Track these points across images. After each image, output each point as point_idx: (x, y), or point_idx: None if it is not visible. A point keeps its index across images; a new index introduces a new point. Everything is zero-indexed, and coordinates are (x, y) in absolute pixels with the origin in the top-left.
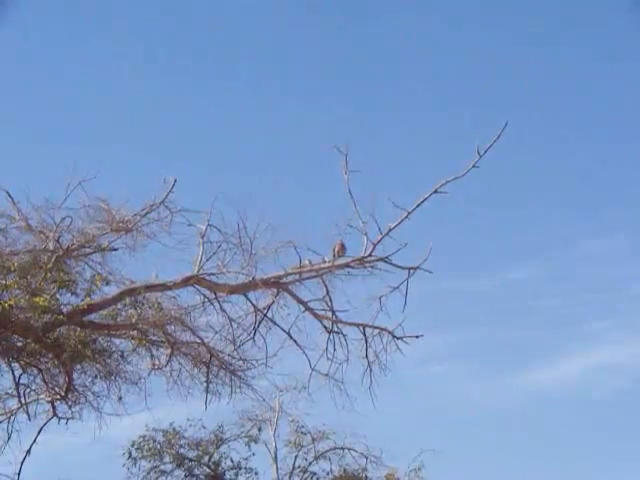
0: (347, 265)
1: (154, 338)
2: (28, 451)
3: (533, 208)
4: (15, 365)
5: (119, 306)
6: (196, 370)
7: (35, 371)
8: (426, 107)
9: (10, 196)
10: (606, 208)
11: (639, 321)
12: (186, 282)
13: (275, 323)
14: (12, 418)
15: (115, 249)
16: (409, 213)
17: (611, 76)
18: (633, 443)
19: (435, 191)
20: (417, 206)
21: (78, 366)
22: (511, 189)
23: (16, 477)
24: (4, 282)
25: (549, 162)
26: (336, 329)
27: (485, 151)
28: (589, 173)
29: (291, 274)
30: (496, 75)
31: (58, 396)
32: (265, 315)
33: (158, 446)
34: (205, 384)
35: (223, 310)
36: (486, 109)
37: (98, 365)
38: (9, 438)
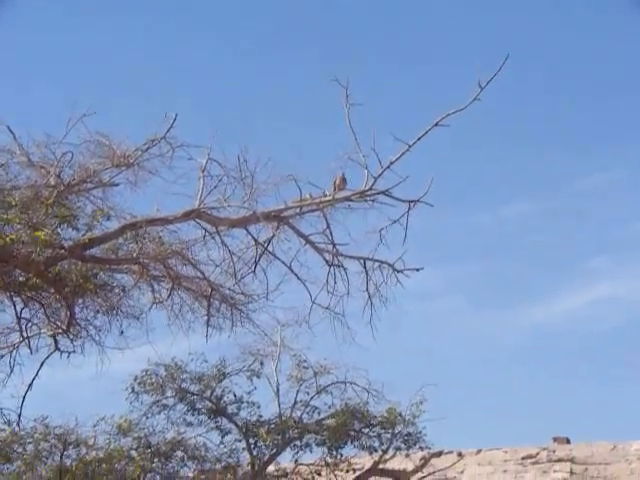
0: (348, 199)
1: (155, 272)
2: (30, 385)
3: (533, 143)
4: (17, 299)
5: (120, 240)
6: (197, 304)
7: (37, 305)
8: (427, 41)
9: (11, 131)
10: (606, 143)
11: (639, 256)
12: (187, 216)
13: (276, 257)
14: (14, 352)
15: (116, 184)
16: (410, 146)
17: (613, 11)
18: (634, 374)
19: (436, 124)
20: (418, 139)
21: (80, 300)
22: (512, 124)
23: (18, 411)
24: (5, 217)
25: (549, 97)
26: (337, 262)
27: (486, 84)
28: (589, 108)
29: (292, 208)
30: (498, 8)
31: (60, 330)
32: (266, 249)
33: (160, 380)
34: (206, 318)
35: (224, 244)
36: (487, 43)
37: (99, 299)
38: (11, 372)
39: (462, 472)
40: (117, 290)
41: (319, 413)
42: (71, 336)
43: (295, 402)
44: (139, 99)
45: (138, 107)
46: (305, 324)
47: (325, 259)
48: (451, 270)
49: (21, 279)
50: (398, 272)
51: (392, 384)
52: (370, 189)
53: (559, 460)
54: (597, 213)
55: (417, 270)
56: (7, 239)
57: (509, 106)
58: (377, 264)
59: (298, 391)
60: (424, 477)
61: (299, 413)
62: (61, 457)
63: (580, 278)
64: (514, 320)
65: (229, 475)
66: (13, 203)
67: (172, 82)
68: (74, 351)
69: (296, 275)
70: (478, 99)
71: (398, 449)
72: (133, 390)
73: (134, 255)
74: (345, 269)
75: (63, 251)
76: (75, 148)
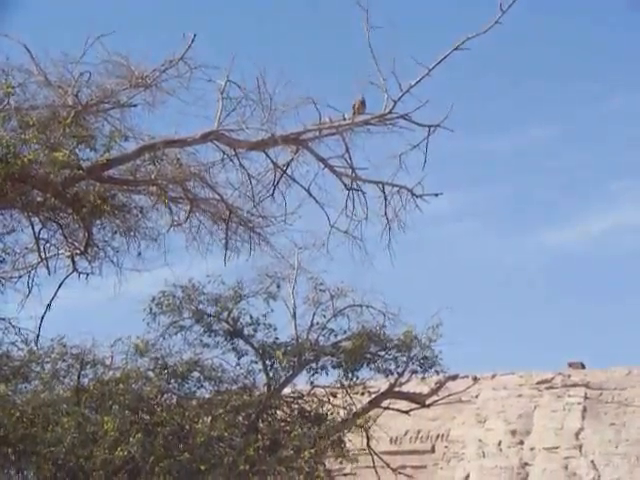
0: (367, 122)
1: (173, 194)
2: (48, 306)
3: (553, 68)
4: (35, 220)
5: (138, 162)
6: (215, 227)
7: (55, 226)
8: None
9: (28, 50)
10: (631, 65)
11: None
12: (205, 138)
13: (294, 180)
14: (32, 273)
15: (134, 105)
16: (430, 70)
17: None
18: None
19: (456, 48)
20: (438, 63)
21: (97, 221)
22: (532, 49)
23: (37, 331)
24: (23, 137)
25: (569, 23)
26: (355, 187)
27: (508, 7)
28: (609, 32)
29: (311, 131)
30: None
31: (78, 251)
32: (284, 172)
33: (177, 302)
34: (224, 241)
35: (242, 167)
36: None
37: (117, 221)
38: (29, 292)
39: (477, 396)
40: (135, 212)
41: (335, 336)
42: (89, 257)
43: (311, 325)
44: (158, 20)
45: (156, 28)
46: (323, 247)
47: (344, 183)
48: (470, 195)
49: (39, 199)
50: (417, 197)
51: (409, 308)
52: (390, 113)
53: (574, 385)
54: (618, 137)
55: (436, 195)
56: (25, 159)
57: (529, 31)
58: (396, 189)
59: (314, 314)
60: (439, 400)
61: (315, 336)
62: (78, 377)
63: (600, 202)
64: (531, 244)
65: (245, 396)
66: (31, 123)
67: (190, 3)
68: (92, 272)
69: (314, 199)
70: (499, 22)
71: (414, 372)
72: (150, 311)
73: (152, 177)
74: (364, 193)
75: (81, 172)
76: (93, 68)
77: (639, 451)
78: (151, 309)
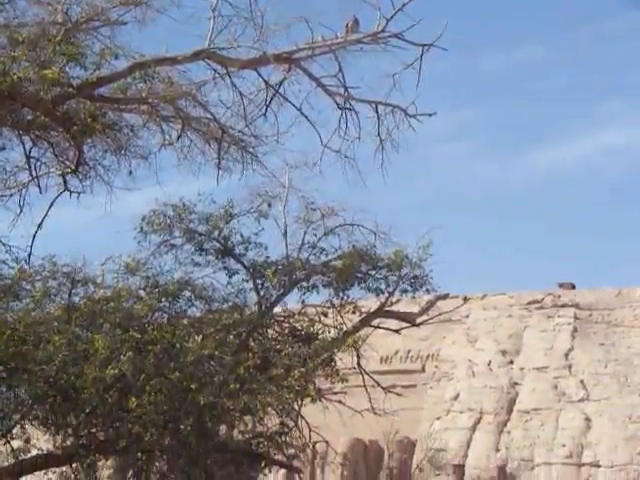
0: (360, 41)
1: (165, 113)
2: (40, 225)
3: None
4: (25, 138)
5: (129, 80)
6: (207, 146)
7: (45, 144)
8: None
9: None
10: None
11: None
12: (197, 56)
13: (287, 99)
14: (23, 191)
15: (124, 23)
16: None
17: None
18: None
19: None
20: None
21: (88, 140)
22: None
23: (28, 250)
24: (12, 54)
25: None
26: (348, 106)
27: None
28: None
29: (303, 49)
30: None
31: (69, 170)
32: (277, 91)
33: (168, 220)
34: (216, 160)
35: (234, 86)
36: None
37: (108, 139)
38: (21, 211)
39: (467, 316)
40: (126, 130)
41: (326, 255)
42: (80, 176)
43: (302, 244)
44: None
45: None
46: (315, 167)
47: (336, 102)
48: (463, 115)
49: (29, 117)
50: (410, 117)
51: (400, 227)
52: (383, 31)
53: (564, 305)
54: (613, 58)
55: (429, 115)
56: (15, 77)
57: None
58: (389, 108)
59: (305, 233)
60: (429, 319)
61: (306, 255)
62: (69, 295)
63: (592, 124)
64: (524, 165)
65: (236, 315)
66: (20, 40)
67: None
68: (83, 191)
69: (307, 118)
70: None
71: (404, 292)
72: (141, 230)
73: (143, 95)
74: (357, 113)
75: (71, 89)
76: None
77: (628, 371)
78: (142, 228)
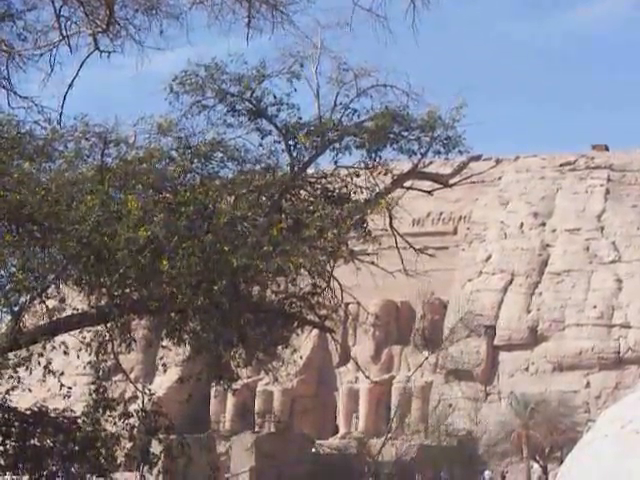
0: None
1: None
2: (71, 84)
3: None
4: None
5: None
6: (237, 5)
7: (76, 3)
8: None
9: None
10: None
11: None
12: None
13: None
14: (54, 51)
15: None
16: None
17: None
18: None
19: None
20: None
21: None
22: None
23: (59, 110)
24: None
25: None
26: None
27: None
28: None
29: None
30: None
31: (100, 29)
32: None
33: (200, 81)
34: (247, 19)
35: None
36: None
37: None
38: (52, 71)
39: (499, 178)
40: None
41: (359, 116)
42: (111, 35)
43: (335, 104)
44: None
45: None
46: (346, 26)
47: None
48: None
49: None
50: None
51: (433, 88)
52: None
53: (597, 167)
54: None
55: None
56: None
57: None
58: None
59: (338, 94)
60: (462, 181)
61: (338, 115)
62: (102, 156)
63: None
64: (555, 25)
65: (268, 176)
66: None
67: None
68: (114, 51)
69: None
70: None
71: (437, 153)
72: (172, 90)
73: None
74: None
75: None
76: None
77: None
78: (172, 88)
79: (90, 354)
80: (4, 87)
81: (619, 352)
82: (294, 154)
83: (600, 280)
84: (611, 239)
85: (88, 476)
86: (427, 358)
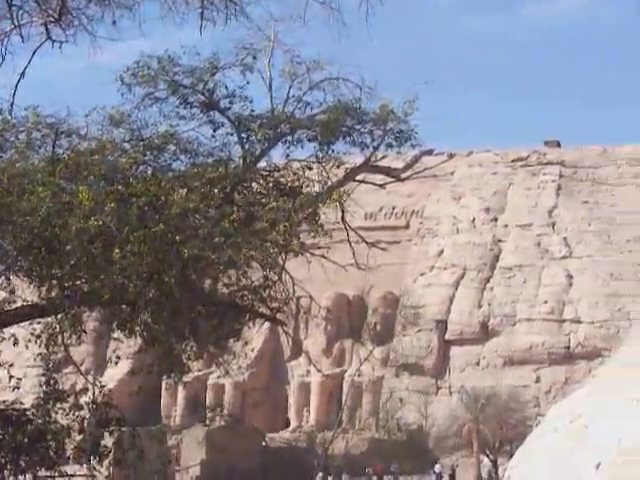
0: None
1: None
2: (22, 73)
3: None
4: None
5: None
6: None
7: None
8: None
9: None
10: None
11: None
12: None
13: None
14: (5, 40)
15: None
16: None
17: None
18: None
19: None
20: None
21: None
22: None
23: (10, 99)
24: None
25: None
26: None
27: None
28: None
29: None
30: None
31: (52, 19)
32: None
33: (153, 73)
34: (200, 10)
35: None
36: None
37: None
38: (3, 60)
39: (452, 173)
40: None
41: (311, 109)
42: (63, 25)
43: (287, 97)
44: None
45: None
46: (299, 19)
47: None
48: None
49: None
50: None
51: (386, 82)
52: None
53: (549, 163)
54: None
55: None
56: None
57: None
58: None
59: (291, 87)
60: (414, 175)
61: (291, 108)
62: (53, 147)
63: None
64: (512, 20)
65: (220, 169)
66: None
67: None
68: (66, 41)
69: None
70: None
71: (389, 146)
72: (124, 82)
73: None
74: None
75: None
76: None
77: (610, 228)
78: (123, 79)
79: (40, 346)
80: None
81: (569, 347)
82: (246, 147)
83: (551, 275)
84: (562, 235)
85: (37, 469)
86: (372, 352)
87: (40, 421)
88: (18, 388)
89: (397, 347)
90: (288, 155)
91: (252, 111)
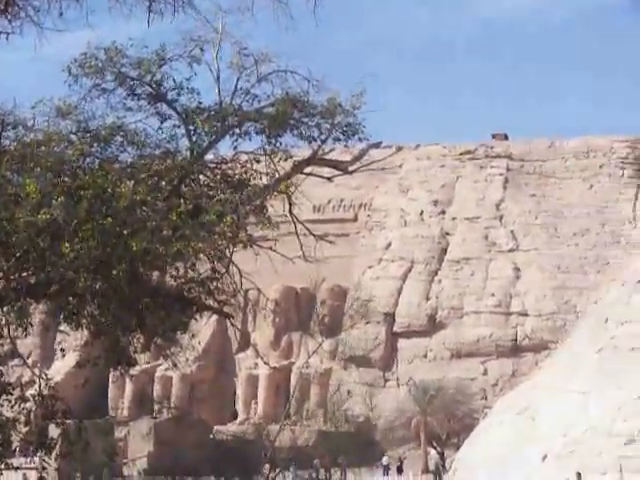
0: None
1: None
2: None
3: None
4: None
5: None
6: None
7: None
8: None
9: None
10: None
11: None
12: None
13: None
14: None
15: None
16: None
17: None
18: (573, 75)
19: None
20: None
21: None
22: None
23: None
24: None
25: None
26: None
27: None
28: None
29: None
30: None
31: None
32: None
33: (100, 64)
34: (148, 3)
35: None
36: None
37: None
38: None
39: (400, 166)
40: None
41: (259, 102)
42: (9, 17)
43: (235, 90)
44: None
45: None
46: (247, 12)
47: None
48: None
49: None
50: None
51: (333, 75)
52: None
53: (496, 156)
54: None
55: None
56: None
57: None
58: None
59: (238, 79)
60: (362, 167)
61: (239, 101)
62: None
63: None
64: (460, 14)
65: (168, 161)
66: None
67: None
68: (12, 32)
69: None
70: None
71: (337, 140)
72: (71, 73)
73: None
74: None
75: None
76: None
77: (557, 222)
78: (70, 71)
79: None
80: None
81: (516, 340)
82: (194, 139)
83: (498, 268)
84: (509, 228)
85: None
86: (321, 344)
87: None
88: None
89: (345, 340)
90: (236, 147)
91: (200, 103)
